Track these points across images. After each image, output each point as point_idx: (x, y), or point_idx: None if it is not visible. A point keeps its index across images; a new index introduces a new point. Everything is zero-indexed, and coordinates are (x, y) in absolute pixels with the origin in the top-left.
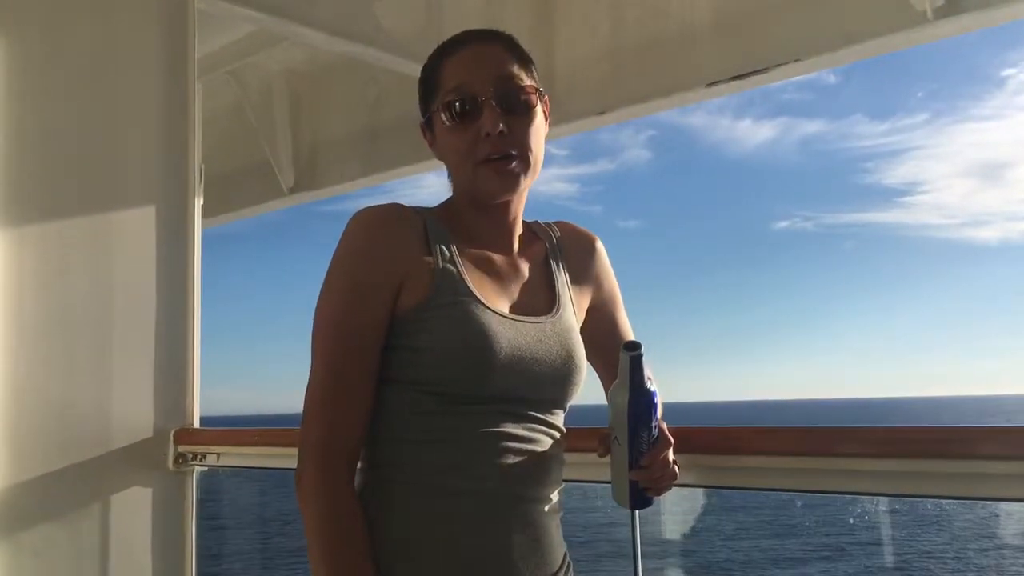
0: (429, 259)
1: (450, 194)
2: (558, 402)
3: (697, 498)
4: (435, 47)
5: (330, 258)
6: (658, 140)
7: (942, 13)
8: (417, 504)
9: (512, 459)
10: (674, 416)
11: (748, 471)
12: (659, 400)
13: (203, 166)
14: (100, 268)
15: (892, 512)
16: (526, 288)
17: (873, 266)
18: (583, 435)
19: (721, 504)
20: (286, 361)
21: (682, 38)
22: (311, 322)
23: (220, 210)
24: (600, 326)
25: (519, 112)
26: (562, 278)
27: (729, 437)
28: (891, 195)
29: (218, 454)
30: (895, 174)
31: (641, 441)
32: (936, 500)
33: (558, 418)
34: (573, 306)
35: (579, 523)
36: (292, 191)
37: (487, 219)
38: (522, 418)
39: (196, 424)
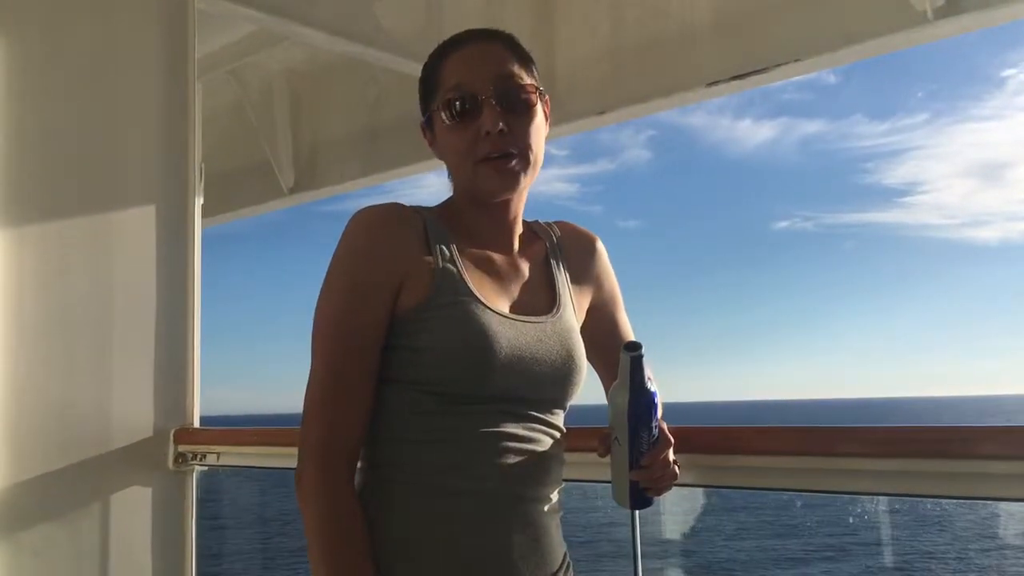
0: (429, 259)
1: (450, 194)
2: (558, 402)
3: (698, 498)
4: (435, 47)
5: (330, 258)
6: (658, 140)
7: (942, 13)
8: (417, 504)
9: (512, 459)
10: (674, 416)
11: (748, 471)
12: (659, 400)
13: (203, 166)
14: (100, 268)
15: (894, 512)
16: (526, 288)
17: (873, 266)
18: (583, 435)
19: (723, 504)
20: (286, 361)
21: (682, 38)
22: (311, 322)
23: (220, 210)
24: (600, 326)
25: (519, 111)
26: (562, 278)
27: (729, 437)
28: (891, 195)
29: (218, 454)
30: (895, 174)
31: (641, 441)
32: (937, 500)
33: (558, 418)
34: (573, 306)
35: (579, 523)
36: (292, 191)
37: (487, 218)
38: (522, 418)
39: (196, 424)
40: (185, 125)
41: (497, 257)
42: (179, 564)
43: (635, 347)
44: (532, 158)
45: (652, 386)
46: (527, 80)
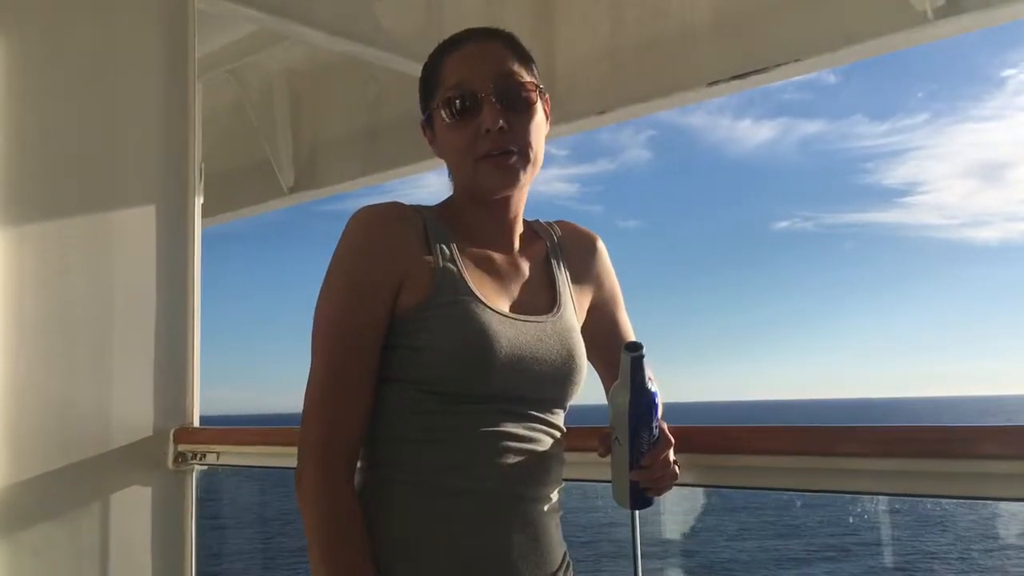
0: (429, 258)
1: (450, 193)
2: (558, 401)
3: (700, 498)
4: (435, 46)
5: (330, 257)
6: (658, 140)
7: (942, 13)
8: (417, 504)
9: (512, 458)
10: (674, 416)
11: (748, 471)
12: (660, 400)
13: (203, 165)
14: (100, 268)
15: (896, 512)
16: (527, 287)
17: (873, 266)
18: (583, 434)
19: (724, 504)
20: (286, 361)
21: (682, 38)
22: (311, 322)
23: (220, 209)
24: (601, 326)
25: (519, 109)
26: (563, 277)
27: (729, 437)
28: (891, 195)
29: (218, 453)
30: (895, 174)
31: (642, 441)
32: (937, 500)
33: (558, 417)
34: (574, 305)
35: (580, 523)
36: (292, 190)
37: (487, 217)
38: (522, 417)
39: (196, 423)
40: (185, 125)
41: (497, 256)
42: (179, 563)
43: (636, 347)
44: (532, 156)
45: (653, 386)
46: (527, 78)
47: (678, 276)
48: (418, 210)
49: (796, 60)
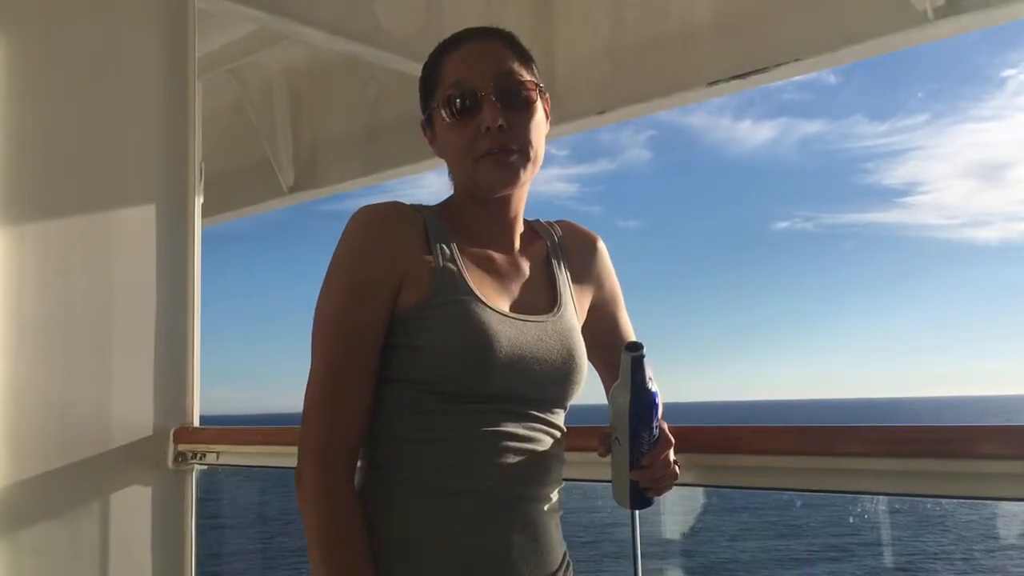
0: (429, 258)
1: (450, 193)
2: (559, 401)
3: (701, 498)
4: (435, 46)
5: (330, 257)
6: (658, 140)
7: (942, 13)
8: (417, 504)
9: (512, 458)
10: (674, 416)
11: (748, 470)
12: (660, 400)
13: (203, 165)
14: (100, 268)
15: (897, 512)
16: (527, 287)
17: (873, 266)
18: (584, 434)
19: (725, 504)
20: (286, 361)
21: (682, 38)
22: (311, 322)
23: (220, 209)
24: (601, 326)
25: (519, 107)
26: (563, 277)
27: (729, 437)
28: (891, 195)
29: (218, 453)
30: (895, 174)
31: (642, 441)
32: (938, 500)
33: (559, 417)
34: (574, 305)
35: (582, 523)
36: (292, 190)
37: (488, 216)
38: (522, 417)
39: (196, 423)
40: (185, 125)
41: (498, 256)
42: (179, 563)
43: (636, 347)
44: (532, 154)
45: (653, 386)
46: (527, 77)
47: (678, 276)
48: (418, 209)
49: (796, 60)
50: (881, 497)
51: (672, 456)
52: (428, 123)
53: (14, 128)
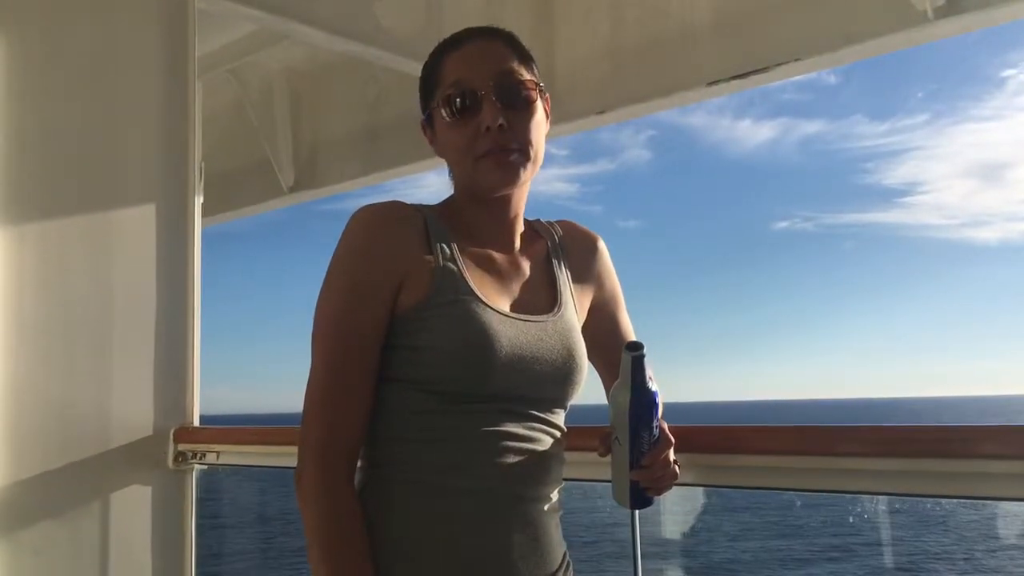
0: (429, 257)
1: (450, 193)
2: (559, 401)
3: (702, 498)
4: (435, 46)
5: (330, 257)
6: (658, 140)
7: (942, 13)
8: (417, 504)
9: (512, 458)
10: (674, 416)
11: (748, 470)
12: (660, 400)
13: (203, 165)
14: (100, 267)
15: (900, 512)
16: (527, 286)
17: (873, 266)
18: (584, 433)
19: (726, 504)
20: (286, 361)
21: (682, 38)
22: (311, 322)
23: (220, 209)
24: (601, 325)
25: (519, 107)
26: (563, 277)
27: (729, 436)
28: (891, 195)
29: (218, 452)
30: (895, 174)
31: (642, 441)
32: (939, 500)
33: (559, 417)
34: (575, 305)
35: (582, 523)
36: (292, 190)
37: (488, 216)
38: (523, 417)
39: (196, 422)
40: (185, 124)
41: (498, 256)
42: (179, 563)
43: (636, 347)
44: (532, 153)
45: (653, 386)
46: (527, 76)
47: (678, 276)
48: (418, 209)
49: (796, 60)
50: (881, 497)
51: (672, 456)
52: (428, 123)
53: (14, 128)
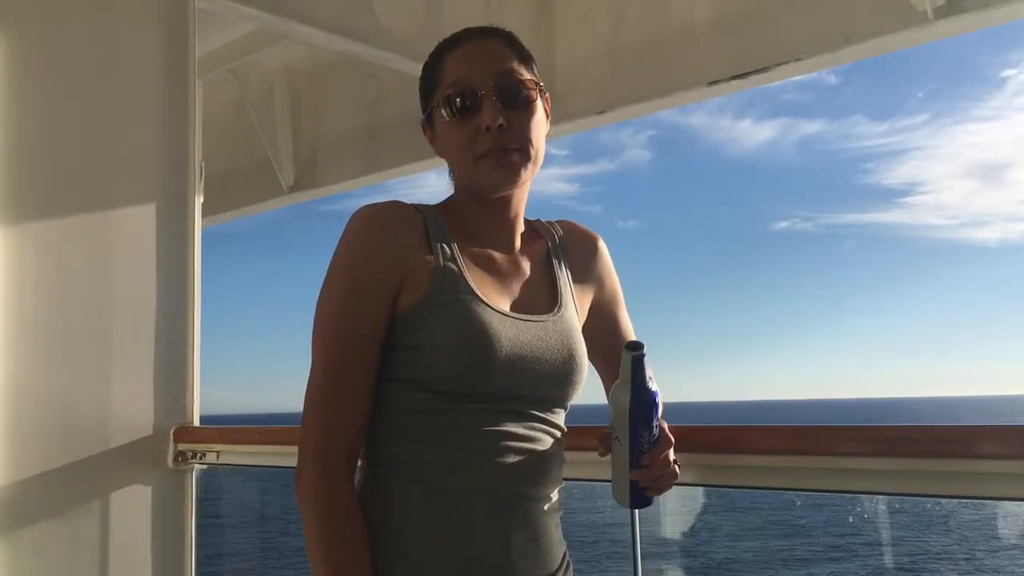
0: (429, 257)
1: (450, 193)
2: (559, 401)
3: (702, 498)
4: (435, 46)
5: (330, 257)
6: (658, 140)
7: (942, 13)
8: (417, 504)
9: (513, 458)
10: (674, 416)
11: (748, 470)
12: (660, 400)
13: (203, 164)
14: (100, 267)
15: (902, 512)
16: (527, 286)
17: (873, 266)
18: (584, 433)
19: (727, 504)
20: (286, 360)
21: (682, 38)
22: (311, 321)
23: (220, 208)
24: (602, 325)
25: (519, 106)
26: (564, 277)
27: (730, 436)
28: (891, 195)
29: (218, 452)
30: (895, 174)
31: (642, 441)
32: (939, 500)
33: (559, 417)
34: (575, 305)
35: (582, 523)
36: (292, 189)
37: (488, 216)
38: (523, 417)
39: (196, 422)
40: (185, 124)
41: (498, 255)
42: (179, 562)
43: (637, 347)
44: (533, 153)
45: (653, 385)
46: (527, 76)
47: (678, 276)
48: (419, 209)
49: (796, 60)
50: (881, 497)
51: (672, 456)
52: (428, 122)
53: (14, 128)
